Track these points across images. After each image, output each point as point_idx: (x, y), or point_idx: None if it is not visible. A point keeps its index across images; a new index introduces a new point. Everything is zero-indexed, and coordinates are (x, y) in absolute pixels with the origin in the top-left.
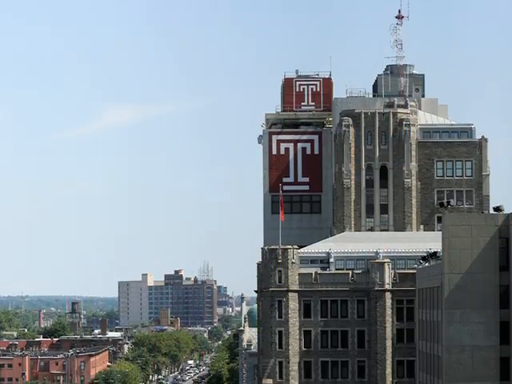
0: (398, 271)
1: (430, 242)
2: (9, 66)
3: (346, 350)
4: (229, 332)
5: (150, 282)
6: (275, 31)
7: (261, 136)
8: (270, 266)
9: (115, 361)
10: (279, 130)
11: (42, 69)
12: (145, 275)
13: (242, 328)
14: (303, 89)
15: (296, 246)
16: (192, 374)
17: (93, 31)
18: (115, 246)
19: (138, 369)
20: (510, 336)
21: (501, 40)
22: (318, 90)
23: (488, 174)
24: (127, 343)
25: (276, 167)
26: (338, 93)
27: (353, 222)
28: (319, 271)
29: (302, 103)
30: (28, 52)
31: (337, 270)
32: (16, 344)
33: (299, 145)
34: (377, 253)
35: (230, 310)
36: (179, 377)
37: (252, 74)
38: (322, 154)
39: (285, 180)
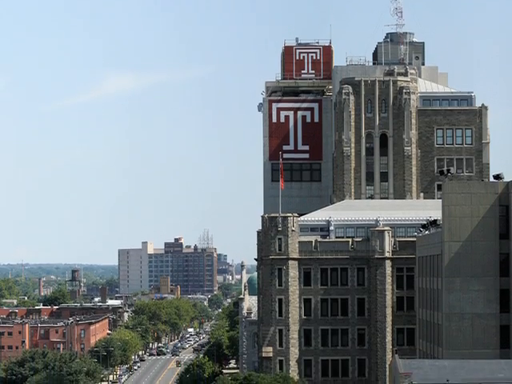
0: (398, 239)
1: (430, 209)
2: (9, 34)
3: (346, 318)
4: (229, 300)
5: (150, 250)
6: None
7: (261, 104)
8: (270, 234)
9: (115, 329)
10: (279, 97)
11: (42, 36)
12: (145, 243)
13: (242, 296)
14: (303, 57)
15: (296, 214)
16: (192, 342)
17: None
18: (115, 214)
19: (137, 337)
20: (509, 304)
21: (501, 8)
22: (318, 58)
23: (488, 142)
24: (127, 311)
25: (276, 135)
26: (338, 61)
27: (353, 190)
28: (319, 239)
29: (302, 71)
30: (28, 19)
31: (337, 237)
32: (16, 312)
33: (299, 113)
34: (377, 221)
35: (230, 277)
36: (179, 345)
37: (252, 42)
38: (321, 122)
39: (285, 148)
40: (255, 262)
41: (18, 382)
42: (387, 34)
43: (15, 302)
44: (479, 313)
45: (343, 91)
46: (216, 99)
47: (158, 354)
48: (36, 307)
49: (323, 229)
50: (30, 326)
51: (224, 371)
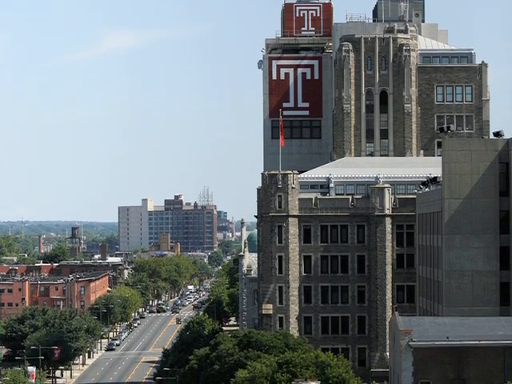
0: (398, 196)
1: (430, 167)
2: None
3: (346, 275)
4: (229, 257)
5: (150, 207)
6: None
7: (261, 61)
8: (269, 191)
9: (115, 286)
10: (279, 55)
11: None
12: (145, 200)
13: (242, 253)
14: (303, 14)
15: (296, 171)
16: (192, 299)
17: None
18: (115, 171)
19: (137, 294)
20: (509, 261)
21: None
22: (318, 15)
23: (488, 99)
24: (127, 268)
25: (276, 92)
26: (338, 18)
27: (353, 147)
28: (319, 196)
29: (302, 28)
30: None
31: (337, 195)
32: (16, 269)
33: (299, 70)
34: (377, 178)
35: (230, 235)
36: (179, 302)
37: None
38: (321, 79)
39: (285, 105)
40: (255, 219)
41: (18, 339)
42: None
43: (15, 259)
44: (479, 270)
45: (343, 48)
46: (216, 56)
47: (158, 312)
48: (36, 264)
49: (323, 186)
50: (29, 283)
51: (224, 328)
